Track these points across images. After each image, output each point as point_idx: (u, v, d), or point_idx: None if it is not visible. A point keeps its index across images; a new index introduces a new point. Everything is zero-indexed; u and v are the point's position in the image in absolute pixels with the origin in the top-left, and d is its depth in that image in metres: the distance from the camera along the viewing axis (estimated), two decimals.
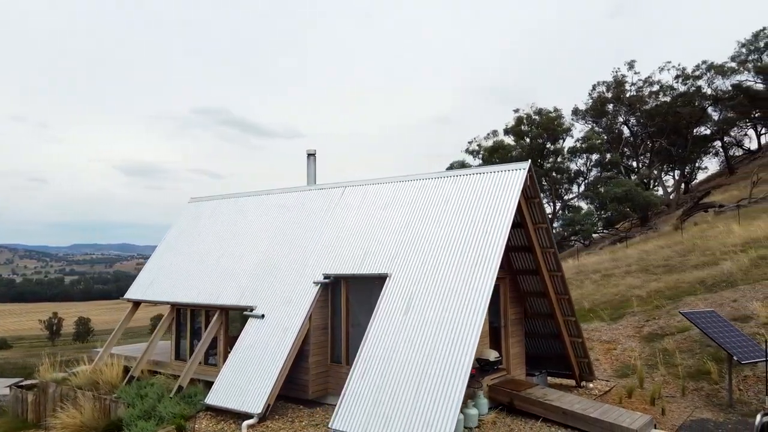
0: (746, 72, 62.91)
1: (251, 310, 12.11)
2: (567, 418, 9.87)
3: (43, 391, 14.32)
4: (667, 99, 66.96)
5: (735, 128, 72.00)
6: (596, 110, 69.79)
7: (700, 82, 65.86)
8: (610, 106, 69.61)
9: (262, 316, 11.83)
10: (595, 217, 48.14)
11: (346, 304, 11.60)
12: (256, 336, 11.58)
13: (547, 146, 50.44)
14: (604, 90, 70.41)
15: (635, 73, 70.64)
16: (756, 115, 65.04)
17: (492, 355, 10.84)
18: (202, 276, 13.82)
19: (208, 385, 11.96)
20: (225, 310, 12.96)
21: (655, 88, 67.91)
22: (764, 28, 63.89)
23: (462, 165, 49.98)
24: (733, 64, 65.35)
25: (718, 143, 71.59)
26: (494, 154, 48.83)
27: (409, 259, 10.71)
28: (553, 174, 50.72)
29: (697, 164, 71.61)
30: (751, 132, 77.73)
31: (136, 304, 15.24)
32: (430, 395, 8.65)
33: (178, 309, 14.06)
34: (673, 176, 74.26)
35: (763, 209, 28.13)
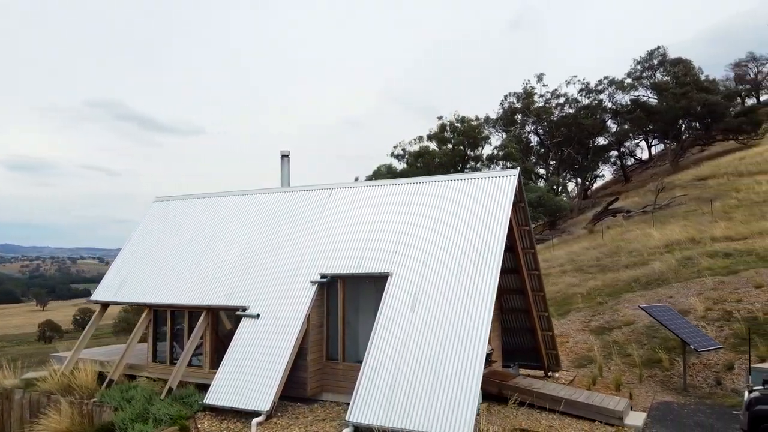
0: (642, 88, 68.52)
1: (244, 310, 12.18)
2: (557, 404, 10.83)
3: (7, 398, 13.52)
4: (572, 111, 71.62)
5: (629, 140, 78.28)
6: (506, 119, 73.54)
7: (602, 96, 70.96)
8: (519, 116, 73.59)
9: (258, 315, 11.95)
10: None
11: (342, 302, 11.97)
12: (253, 335, 11.69)
13: (468, 153, 52.57)
14: (515, 101, 74.21)
15: (543, 85, 74.94)
16: (649, 127, 70.92)
17: (487, 348, 11.64)
18: (183, 277, 13.64)
19: (199, 386, 11.93)
20: (212, 311, 12.91)
21: (561, 100, 72.42)
22: (658, 47, 70.04)
23: (389, 169, 51.06)
24: (630, 80, 71.03)
25: (614, 153, 77.54)
26: (419, 159, 50.29)
27: (409, 258, 11.28)
28: None
29: (595, 172, 77.19)
30: (643, 143, 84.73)
31: (105, 306, 14.73)
32: (447, 386, 9.26)
33: (155, 310, 13.77)
34: (576, 183, 79.64)
35: (670, 214, 31.14)
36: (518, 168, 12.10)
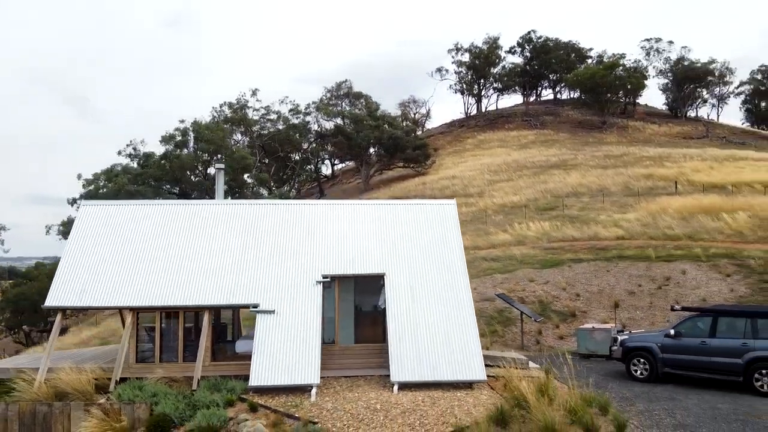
0: (341, 118, 79.07)
1: (255, 307, 14.33)
2: (485, 359, 16.26)
3: None
4: (282, 127, 78.39)
5: (318, 158, 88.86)
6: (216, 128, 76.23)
7: (309, 118, 79.34)
8: (228, 126, 77.09)
9: (272, 311, 14.32)
10: None
11: (337, 297, 15.20)
12: (275, 327, 14.03)
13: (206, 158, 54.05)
14: (227, 109, 77.46)
15: (257, 100, 79.84)
16: (330, 149, 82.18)
17: None
18: (170, 279, 14.57)
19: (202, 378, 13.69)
20: (213, 309, 14.49)
21: (273, 116, 78.50)
22: (345, 80, 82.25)
23: (125, 169, 49.08)
24: (330, 106, 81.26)
25: (310, 167, 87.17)
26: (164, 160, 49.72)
27: (395, 262, 15.29)
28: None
29: (295, 184, 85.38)
30: (327, 162, 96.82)
31: (64, 312, 14.36)
32: (462, 348, 13.85)
33: (137, 312, 14.41)
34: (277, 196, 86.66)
35: None
36: (454, 200, 17.21)
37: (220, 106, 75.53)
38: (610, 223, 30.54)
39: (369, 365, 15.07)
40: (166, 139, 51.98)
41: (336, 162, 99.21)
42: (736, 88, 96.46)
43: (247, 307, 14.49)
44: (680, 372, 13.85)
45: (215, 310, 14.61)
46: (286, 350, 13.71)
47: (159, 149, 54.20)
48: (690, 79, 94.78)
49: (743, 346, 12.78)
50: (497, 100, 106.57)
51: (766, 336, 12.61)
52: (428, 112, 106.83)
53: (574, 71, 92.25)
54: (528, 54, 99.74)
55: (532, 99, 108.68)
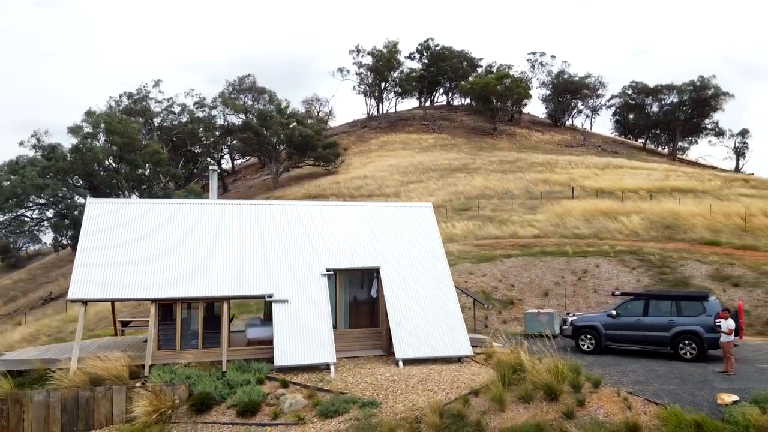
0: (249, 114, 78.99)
1: (270, 297, 15.95)
2: None
3: (17, 402, 13.02)
4: (185, 119, 77.09)
5: (217, 152, 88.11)
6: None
7: (215, 112, 78.54)
8: (126, 117, 74.85)
9: (286, 300, 16.01)
10: None
11: (338, 288, 17.13)
12: (290, 315, 15.75)
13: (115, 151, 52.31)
14: (126, 99, 75.02)
15: (160, 91, 77.78)
16: (238, 144, 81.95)
17: None
18: (187, 273, 15.74)
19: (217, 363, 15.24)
20: (230, 300, 15.90)
21: (177, 108, 76.95)
22: (249, 75, 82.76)
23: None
24: (234, 100, 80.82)
25: (209, 160, 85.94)
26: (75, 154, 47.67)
27: (387, 257, 17.48)
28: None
29: (200, 180, 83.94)
30: (227, 156, 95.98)
31: (85, 303, 15.09)
32: (450, 328, 16.39)
33: (158, 303, 15.48)
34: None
35: None
36: (430, 203, 19.62)
37: (120, 96, 72.84)
38: (525, 223, 34.56)
39: (364, 347, 17.19)
40: (73, 131, 49.73)
41: (237, 157, 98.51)
42: (608, 101, 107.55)
43: (262, 297, 16.06)
44: (620, 345, 17.30)
45: (227, 301, 15.98)
46: (303, 334, 15.50)
47: (66, 140, 51.77)
48: (568, 91, 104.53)
49: (670, 322, 16.41)
50: (396, 103, 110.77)
51: (687, 314, 16.31)
52: (331, 111, 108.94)
53: (468, 79, 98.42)
54: (426, 60, 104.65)
55: (427, 104, 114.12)
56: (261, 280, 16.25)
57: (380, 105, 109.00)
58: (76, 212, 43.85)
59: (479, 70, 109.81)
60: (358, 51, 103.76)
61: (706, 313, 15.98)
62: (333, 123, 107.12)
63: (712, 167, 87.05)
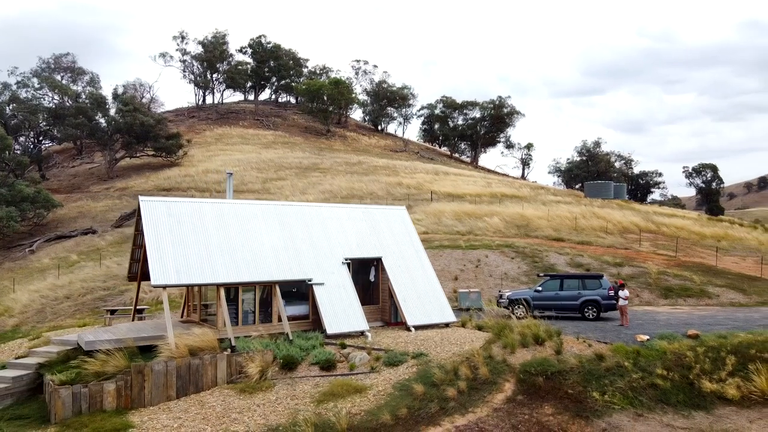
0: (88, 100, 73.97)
1: (309, 281, 19.60)
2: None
3: (139, 373, 15.10)
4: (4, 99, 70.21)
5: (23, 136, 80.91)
6: None
7: (40, 92, 72.52)
8: None
9: (323, 283, 19.79)
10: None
11: (348, 272, 21.20)
12: (329, 294, 19.60)
13: None
14: None
15: None
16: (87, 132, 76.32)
17: None
18: (240, 261, 18.68)
19: (273, 336, 18.77)
20: (277, 284, 19.14)
21: None
22: (68, 53, 78.53)
23: None
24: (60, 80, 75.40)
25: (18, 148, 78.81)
26: None
27: (385, 248, 22.03)
28: None
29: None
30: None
31: (165, 288, 17.23)
32: (437, 302, 21.60)
33: (223, 287, 18.18)
34: None
35: None
36: (404, 207, 24.31)
37: None
38: (415, 221, 40.72)
39: (370, 319, 21.52)
40: None
41: (43, 141, 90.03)
42: (418, 111, 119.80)
43: (304, 281, 19.58)
44: (543, 312, 24.03)
45: (277, 285, 19.23)
46: (341, 309, 19.50)
47: None
48: (387, 99, 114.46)
49: (578, 294, 23.56)
50: (223, 95, 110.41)
51: (589, 289, 23.59)
52: (153, 98, 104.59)
53: (301, 80, 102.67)
54: (258, 56, 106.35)
55: (255, 98, 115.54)
56: (299, 267, 19.76)
57: (206, 95, 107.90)
58: None
59: (305, 70, 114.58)
60: (182, 37, 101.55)
61: (602, 288, 23.44)
62: (159, 110, 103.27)
63: (506, 175, 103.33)
